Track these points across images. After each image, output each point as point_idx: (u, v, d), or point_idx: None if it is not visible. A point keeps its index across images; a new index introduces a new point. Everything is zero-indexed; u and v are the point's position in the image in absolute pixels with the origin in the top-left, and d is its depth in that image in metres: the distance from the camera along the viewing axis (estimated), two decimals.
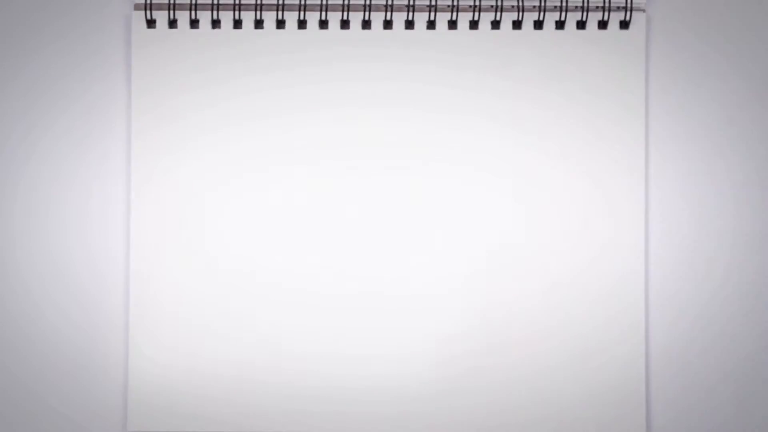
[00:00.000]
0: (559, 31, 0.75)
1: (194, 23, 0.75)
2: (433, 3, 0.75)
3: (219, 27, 0.75)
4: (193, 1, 0.74)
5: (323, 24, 0.75)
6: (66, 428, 0.75)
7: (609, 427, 0.75)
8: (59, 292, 0.75)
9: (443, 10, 0.75)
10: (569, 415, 0.75)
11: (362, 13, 0.75)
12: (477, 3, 0.75)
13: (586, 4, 0.75)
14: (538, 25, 0.75)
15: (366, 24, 0.75)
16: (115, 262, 0.75)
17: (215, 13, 0.74)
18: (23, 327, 0.75)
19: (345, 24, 0.75)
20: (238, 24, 0.75)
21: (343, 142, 0.75)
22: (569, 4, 0.75)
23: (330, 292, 0.75)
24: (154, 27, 0.75)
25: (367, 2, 0.75)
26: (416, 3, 0.75)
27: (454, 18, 0.75)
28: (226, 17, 0.75)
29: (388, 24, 0.75)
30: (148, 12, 0.74)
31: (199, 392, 0.75)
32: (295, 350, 0.75)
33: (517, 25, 0.75)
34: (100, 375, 0.75)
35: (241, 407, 0.75)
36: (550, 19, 0.75)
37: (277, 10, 0.75)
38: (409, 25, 0.75)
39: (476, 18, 0.75)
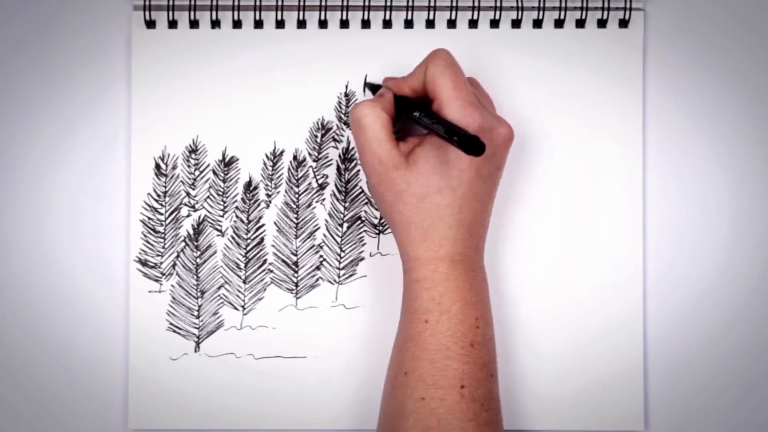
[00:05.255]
0: (559, 30, 0.75)
1: (194, 24, 0.75)
2: (433, 3, 0.75)
3: (218, 27, 0.75)
4: (193, 2, 0.74)
5: (323, 24, 0.75)
6: (67, 426, 0.75)
7: (608, 415, 0.75)
8: (59, 291, 0.75)
9: (442, 10, 0.75)
10: (571, 401, 0.75)
11: (361, 12, 0.75)
12: (476, 2, 0.75)
13: (585, 4, 0.75)
14: (538, 24, 0.75)
15: (365, 24, 0.75)
16: (115, 261, 0.75)
17: (215, 13, 0.75)
18: (23, 326, 0.75)
19: (344, 24, 0.75)
20: (237, 24, 0.75)
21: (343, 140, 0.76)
22: (568, 4, 0.75)
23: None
24: (153, 27, 0.75)
25: (367, 2, 0.75)
26: (415, 3, 0.75)
27: (453, 17, 0.75)
28: (226, 18, 0.75)
29: (387, 24, 0.75)
30: (148, 12, 0.74)
31: (200, 390, 0.75)
32: (296, 348, 0.75)
33: (516, 23, 0.75)
34: (101, 373, 0.75)
35: (241, 405, 0.75)
36: (550, 18, 0.75)
37: (277, 11, 0.75)
38: (408, 24, 0.75)
39: (475, 17, 0.75)
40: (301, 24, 0.75)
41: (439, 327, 0.66)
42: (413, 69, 0.69)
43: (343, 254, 0.75)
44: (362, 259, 0.75)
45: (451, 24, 0.75)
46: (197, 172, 0.75)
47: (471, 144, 0.62)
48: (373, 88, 0.73)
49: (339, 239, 0.75)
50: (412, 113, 0.67)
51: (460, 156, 0.66)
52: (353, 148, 0.75)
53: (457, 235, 0.67)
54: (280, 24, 0.75)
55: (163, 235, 0.75)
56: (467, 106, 0.66)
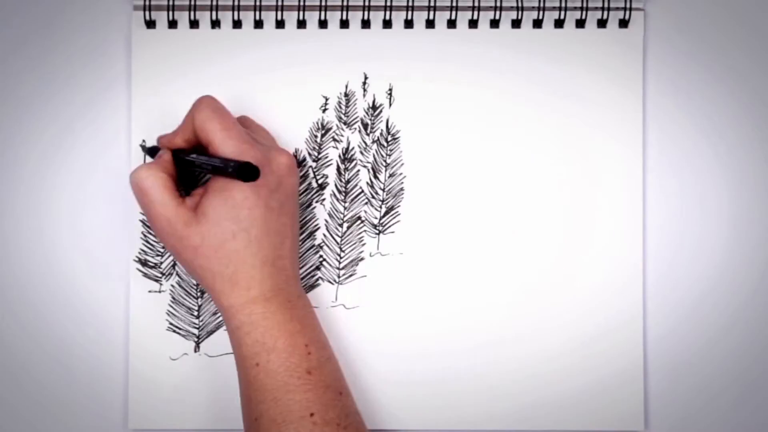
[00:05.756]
0: (559, 30, 0.75)
1: (194, 24, 0.75)
2: (433, 3, 0.75)
3: (218, 27, 0.75)
4: (193, 2, 0.74)
5: (323, 24, 0.75)
6: (67, 426, 0.75)
7: (608, 415, 0.75)
8: (59, 291, 0.75)
9: (442, 10, 0.75)
10: (571, 401, 0.75)
11: (361, 12, 0.75)
12: (476, 2, 0.75)
13: (585, 4, 0.75)
14: (538, 24, 0.75)
15: (365, 24, 0.75)
16: (115, 261, 0.75)
17: (215, 13, 0.75)
18: (23, 326, 0.75)
19: (344, 24, 0.75)
20: (237, 24, 0.75)
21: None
22: (568, 4, 0.75)
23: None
24: (153, 27, 0.75)
25: (367, 2, 0.75)
26: (415, 3, 0.75)
27: (453, 17, 0.75)
28: (226, 18, 0.75)
29: (387, 24, 0.75)
30: (148, 12, 0.74)
31: (200, 390, 0.75)
32: None
33: (516, 23, 0.75)
34: (101, 373, 0.75)
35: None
36: (550, 18, 0.75)
37: (277, 11, 0.75)
38: (408, 24, 0.75)
39: (475, 17, 0.75)
40: (301, 24, 0.75)
41: (270, 366, 0.66)
42: (182, 120, 0.70)
43: (343, 254, 0.75)
44: (362, 259, 0.75)
45: (451, 24, 0.75)
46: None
47: (246, 171, 0.65)
48: (151, 150, 0.72)
49: (339, 239, 0.76)
50: (189, 156, 0.69)
51: (246, 194, 0.66)
52: (353, 147, 0.75)
53: (263, 273, 0.67)
54: (280, 24, 0.75)
55: None
56: (241, 144, 0.67)
